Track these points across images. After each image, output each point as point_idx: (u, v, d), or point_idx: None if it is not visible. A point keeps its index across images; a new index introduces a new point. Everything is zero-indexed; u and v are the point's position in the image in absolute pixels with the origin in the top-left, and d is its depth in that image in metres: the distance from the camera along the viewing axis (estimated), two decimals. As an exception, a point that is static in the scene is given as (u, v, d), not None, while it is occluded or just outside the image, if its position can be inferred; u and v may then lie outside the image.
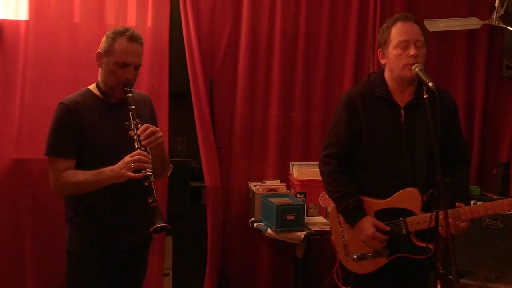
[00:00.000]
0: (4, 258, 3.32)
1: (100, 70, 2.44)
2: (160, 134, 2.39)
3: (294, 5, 3.76)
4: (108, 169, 2.29)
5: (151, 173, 2.29)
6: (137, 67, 2.43)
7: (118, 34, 2.38)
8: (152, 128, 2.37)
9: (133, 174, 2.26)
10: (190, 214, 3.66)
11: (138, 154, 2.29)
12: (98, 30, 3.38)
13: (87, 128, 2.36)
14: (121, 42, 2.37)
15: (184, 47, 3.54)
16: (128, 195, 2.43)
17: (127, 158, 2.27)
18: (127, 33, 2.39)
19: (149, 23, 3.50)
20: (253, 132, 3.81)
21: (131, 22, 3.47)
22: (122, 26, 2.46)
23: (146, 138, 2.33)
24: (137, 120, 2.37)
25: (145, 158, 2.29)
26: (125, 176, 2.26)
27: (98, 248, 2.42)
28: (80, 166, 2.36)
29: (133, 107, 2.39)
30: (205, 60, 3.62)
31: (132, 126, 2.35)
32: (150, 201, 2.27)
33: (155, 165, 2.36)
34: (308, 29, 3.79)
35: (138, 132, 2.34)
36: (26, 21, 3.30)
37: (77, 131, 2.35)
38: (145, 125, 2.36)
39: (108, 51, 2.38)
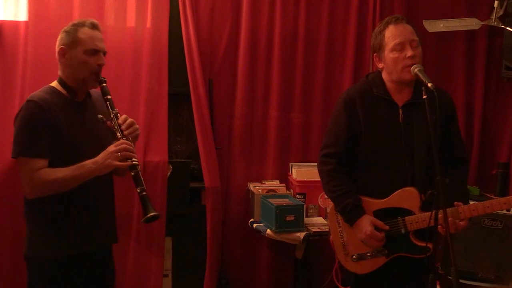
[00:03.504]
0: (4, 258, 3.32)
1: (63, 67, 2.36)
2: (137, 126, 2.37)
3: (294, 6, 3.76)
4: (89, 162, 2.22)
5: (137, 163, 2.25)
6: (104, 54, 2.38)
7: (79, 25, 2.34)
8: (131, 119, 2.34)
9: (120, 163, 2.21)
10: (190, 214, 3.66)
11: (123, 143, 2.24)
12: (98, 31, 3.40)
13: (60, 127, 2.26)
14: (85, 31, 2.32)
15: (183, 48, 3.54)
16: (96, 196, 2.38)
17: (111, 148, 2.23)
18: (87, 22, 2.35)
19: (148, 24, 3.50)
20: (252, 132, 3.81)
21: (130, 22, 3.48)
22: (78, 19, 2.40)
23: (128, 128, 2.31)
24: (116, 110, 2.33)
25: (130, 147, 2.26)
26: (111, 166, 2.21)
27: (67, 253, 2.31)
28: (51, 166, 2.25)
29: (109, 96, 2.35)
30: (204, 60, 3.62)
31: (112, 116, 2.31)
32: (139, 190, 2.22)
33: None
34: (308, 29, 3.79)
35: (119, 121, 2.30)
36: (26, 22, 3.31)
37: (49, 129, 2.24)
38: (124, 116, 2.34)
39: (73, 43, 2.31)
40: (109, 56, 3.40)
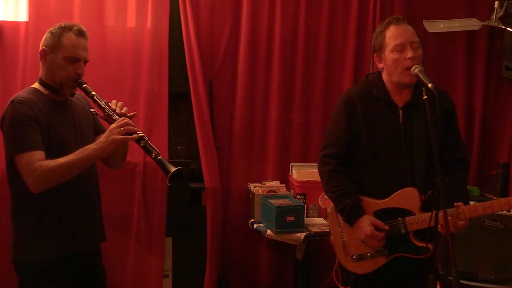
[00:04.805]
0: (4, 259, 3.31)
1: (43, 67, 2.36)
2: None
3: (294, 6, 3.76)
4: (91, 144, 2.22)
5: (143, 134, 2.26)
6: (85, 63, 2.37)
7: (66, 28, 2.31)
8: (121, 101, 2.37)
9: (125, 136, 2.21)
10: (190, 215, 3.65)
11: (123, 119, 2.25)
12: (98, 32, 3.40)
13: (45, 124, 2.25)
14: (70, 37, 2.30)
15: (183, 48, 3.54)
16: (84, 193, 2.38)
17: (113, 125, 2.23)
18: (75, 28, 2.32)
19: (148, 24, 3.50)
20: (252, 133, 3.81)
21: (130, 23, 3.49)
22: (67, 22, 2.38)
23: (121, 109, 2.33)
24: (105, 101, 2.34)
25: (131, 122, 2.26)
26: (115, 141, 2.19)
27: (59, 253, 2.29)
28: None
29: (93, 92, 2.34)
30: (204, 61, 3.62)
31: (103, 105, 2.31)
32: (154, 156, 2.22)
33: (119, 151, 2.38)
34: (308, 30, 3.79)
35: (113, 106, 2.32)
36: (26, 23, 3.32)
37: (38, 125, 2.22)
38: (114, 101, 2.35)
39: (56, 47, 2.30)
40: (109, 57, 3.46)
